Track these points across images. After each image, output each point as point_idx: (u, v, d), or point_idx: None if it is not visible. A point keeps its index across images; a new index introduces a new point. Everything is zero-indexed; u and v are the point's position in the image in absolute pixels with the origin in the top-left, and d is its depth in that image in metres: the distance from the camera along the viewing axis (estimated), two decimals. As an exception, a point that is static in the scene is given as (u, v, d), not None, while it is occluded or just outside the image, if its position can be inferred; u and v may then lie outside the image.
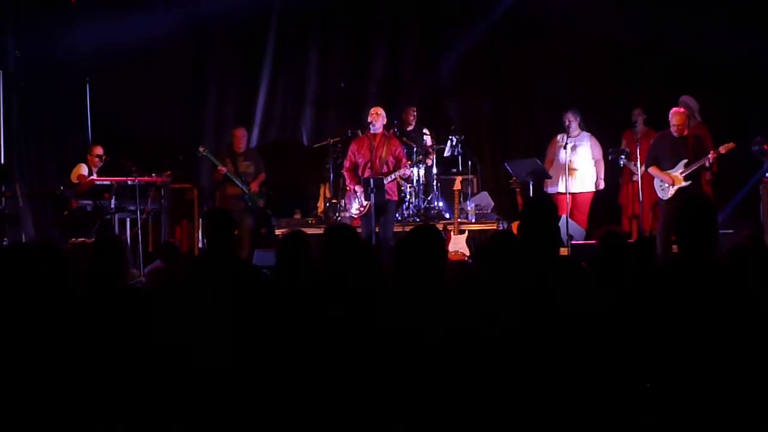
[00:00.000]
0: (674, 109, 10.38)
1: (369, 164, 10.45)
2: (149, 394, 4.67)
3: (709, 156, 10.06)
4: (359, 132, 11.46)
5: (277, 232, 11.87)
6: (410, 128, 12.30)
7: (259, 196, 11.69)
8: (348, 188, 10.72)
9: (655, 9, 12.41)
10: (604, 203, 12.27)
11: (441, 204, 12.11)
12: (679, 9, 12.23)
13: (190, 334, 5.11)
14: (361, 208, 10.48)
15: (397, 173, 10.45)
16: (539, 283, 4.24)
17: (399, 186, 11.10)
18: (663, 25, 12.36)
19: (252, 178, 11.67)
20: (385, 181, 10.35)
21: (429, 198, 12.14)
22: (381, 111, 10.61)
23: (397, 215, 11.14)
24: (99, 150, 11.26)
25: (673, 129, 10.24)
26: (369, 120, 10.56)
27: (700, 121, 11.45)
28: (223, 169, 11.43)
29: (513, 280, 4.32)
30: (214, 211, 5.86)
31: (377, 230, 10.33)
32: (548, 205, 4.65)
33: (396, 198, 10.71)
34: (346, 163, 10.77)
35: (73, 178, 11.02)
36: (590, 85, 12.71)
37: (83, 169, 11.05)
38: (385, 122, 10.62)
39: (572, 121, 11.67)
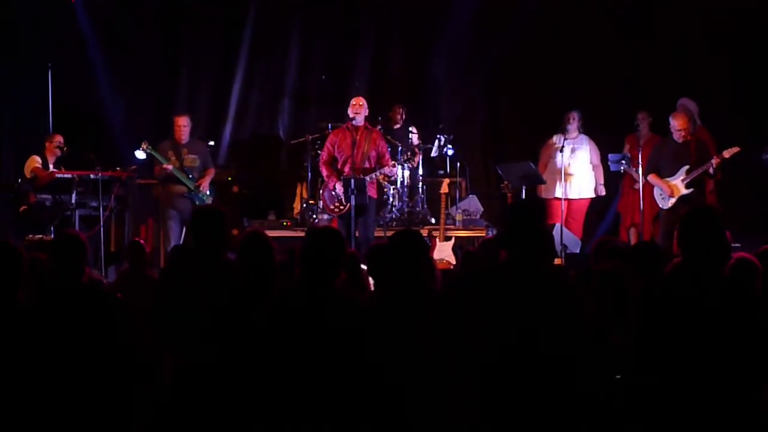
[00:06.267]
0: (675, 113, 10.42)
1: (349, 160, 10.37)
2: (114, 398, 4.74)
3: (713, 161, 10.09)
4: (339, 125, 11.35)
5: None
6: (397, 126, 12.31)
7: (207, 193, 11.21)
8: (327, 183, 10.54)
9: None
10: (601, 211, 12.32)
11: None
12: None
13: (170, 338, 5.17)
14: (341, 207, 10.41)
15: (380, 171, 10.38)
16: (523, 299, 4.23)
17: (381, 186, 11.09)
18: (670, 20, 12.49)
19: (198, 173, 11.19)
20: (366, 180, 10.32)
21: (413, 201, 12.14)
22: (363, 102, 10.52)
23: (379, 220, 11.15)
24: (59, 138, 11.19)
25: (675, 134, 10.27)
26: (351, 113, 10.45)
27: (701, 125, 11.48)
28: (169, 167, 10.96)
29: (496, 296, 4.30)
30: (207, 209, 5.79)
31: (356, 234, 10.30)
32: (536, 209, 4.56)
33: (376, 196, 10.66)
34: (323, 156, 10.63)
35: (27, 172, 10.97)
36: (591, 85, 12.75)
37: (37, 161, 10.98)
38: (367, 114, 10.54)
39: (573, 122, 11.68)
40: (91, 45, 12.54)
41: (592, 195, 11.93)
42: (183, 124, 11.23)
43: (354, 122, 10.44)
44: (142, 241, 8.01)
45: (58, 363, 4.72)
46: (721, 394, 3.94)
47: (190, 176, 11.07)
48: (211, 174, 11.32)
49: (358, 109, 10.42)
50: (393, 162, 10.67)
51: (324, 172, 10.60)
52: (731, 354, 3.94)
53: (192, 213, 5.88)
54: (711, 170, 10.12)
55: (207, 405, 4.99)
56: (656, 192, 10.42)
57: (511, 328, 4.19)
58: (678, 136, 10.25)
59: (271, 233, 6.29)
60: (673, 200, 10.18)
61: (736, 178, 11.20)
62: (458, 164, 12.49)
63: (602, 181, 11.90)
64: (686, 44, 12.63)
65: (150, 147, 10.97)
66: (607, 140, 12.03)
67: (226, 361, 4.92)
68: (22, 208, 10.85)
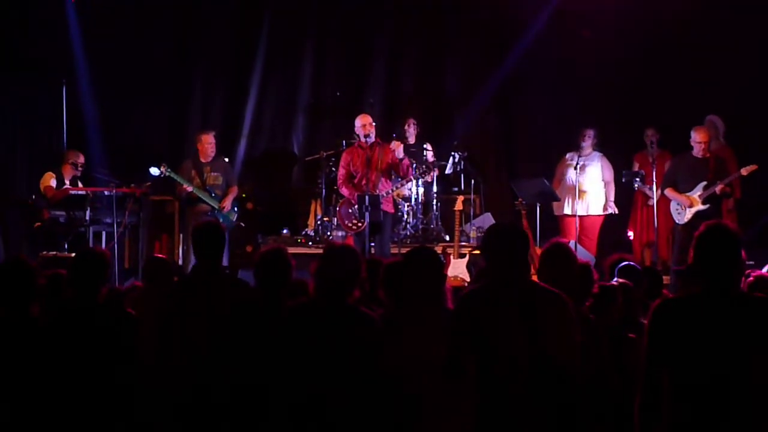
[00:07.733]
0: (698, 126, 10.44)
1: (364, 178, 10.45)
2: (124, 414, 4.74)
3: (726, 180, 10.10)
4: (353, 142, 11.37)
5: (264, 251, 11.81)
6: (410, 140, 12.29)
7: (231, 211, 11.32)
8: (350, 200, 10.60)
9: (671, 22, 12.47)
10: (615, 228, 12.26)
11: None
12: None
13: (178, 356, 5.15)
14: (358, 224, 10.46)
15: (398, 183, 10.46)
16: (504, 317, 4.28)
17: (396, 203, 11.10)
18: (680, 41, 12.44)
19: (221, 191, 11.24)
20: (384, 195, 10.40)
21: (428, 218, 12.12)
22: (370, 119, 10.66)
23: (394, 237, 11.15)
24: (81, 158, 11.21)
25: (696, 147, 10.28)
26: (363, 133, 10.56)
27: (724, 143, 11.44)
28: (189, 188, 11.00)
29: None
30: (205, 225, 5.78)
31: (372, 251, 10.30)
32: (509, 232, 4.57)
33: (393, 211, 10.76)
34: (341, 175, 10.73)
35: (42, 188, 10.99)
36: (603, 103, 12.72)
37: (52, 181, 10.99)
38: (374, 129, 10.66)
39: (588, 139, 11.66)
40: (103, 59, 12.57)
41: (603, 212, 11.88)
42: (210, 142, 11.30)
43: (366, 140, 10.53)
44: (161, 256, 7.91)
45: (69, 378, 4.72)
46: (742, 416, 3.89)
47: (213, 194, 11.12)
48: (233, 192, 11.39)
49: (370, 129, 10.54)
50: (407, 177, 10.75)
51: (345, 192, 10.71)
52: (750, 373, 3.90)
53: (192, 230, 5.86)
54: (728, 189, 10.12)
55: (218, 420, 4.98)
56: (673, 207, 10.41)
57: (495, 344, 4.26)
58: (698, 149, 10.27)
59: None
60: (689, 215, 10.15)
61: (754, 195, 11.15)
62: (473, 181, 12.48)
63: (612, 198, 11.84)
64: (700, 61, 12.56)
65: (169, 170, 10.94)
66: (619, 157, 12.01)
67: (236, 376, 4.91)
68: (36, 225, 10.87)
